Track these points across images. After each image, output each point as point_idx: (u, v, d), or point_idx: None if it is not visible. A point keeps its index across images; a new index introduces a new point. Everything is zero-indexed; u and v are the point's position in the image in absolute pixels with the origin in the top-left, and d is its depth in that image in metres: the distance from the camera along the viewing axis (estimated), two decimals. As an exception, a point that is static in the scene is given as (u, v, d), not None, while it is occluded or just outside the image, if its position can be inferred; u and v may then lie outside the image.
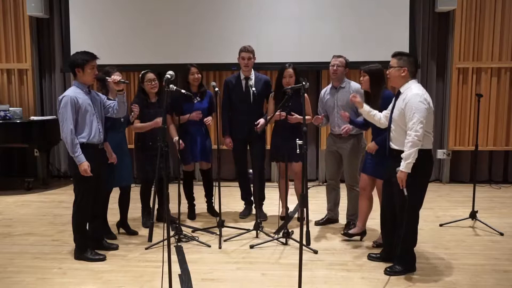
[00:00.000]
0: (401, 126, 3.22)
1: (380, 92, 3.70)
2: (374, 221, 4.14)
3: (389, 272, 3.33)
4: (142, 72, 4.35)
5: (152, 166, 4.29)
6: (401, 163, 3.13)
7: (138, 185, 4.53)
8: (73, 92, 3.49)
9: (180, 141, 4.29)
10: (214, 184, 4.62)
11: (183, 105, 4.50)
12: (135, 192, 4.39)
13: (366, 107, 3.55)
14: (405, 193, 3.14)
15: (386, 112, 3.51)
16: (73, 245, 3.71)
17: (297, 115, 4.25)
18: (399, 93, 3.31)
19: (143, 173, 4.38)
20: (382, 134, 3.61)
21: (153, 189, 4.17)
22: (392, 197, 3.35)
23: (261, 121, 4.42)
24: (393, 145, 3.31)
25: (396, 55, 3.33)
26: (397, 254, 3.34)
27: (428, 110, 3.15)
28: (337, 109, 4.22)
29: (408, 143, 3.11)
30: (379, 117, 3.53)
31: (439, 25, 6.28)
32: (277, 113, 4.12)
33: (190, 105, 4.54)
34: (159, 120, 4.18)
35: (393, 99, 3.38)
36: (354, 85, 4.24)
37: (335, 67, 4.22)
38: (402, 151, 3.17)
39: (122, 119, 4.02)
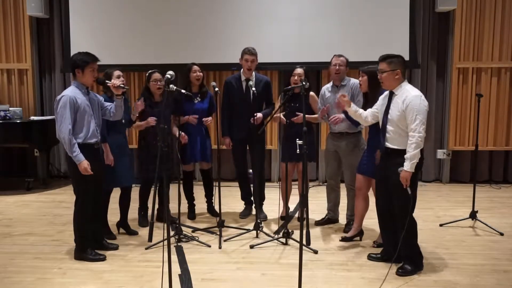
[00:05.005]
0: (401, 127, 3.24)
1: (378, 93, 3.68)
2: (372, 221, 4.15)
3: (401, 272, 3.32)
4: (149, 71, 4.36)
5: (154, 166, 4.29)
6: (406, 164, 3.15)
7: (138, 185, 4.53)
8: (72, 92, 3.49)
9: (182, 134, 4.29)
10: (214, 184, 4.62)
11: (184, 105, 4.49)
12: (135, 192, 4.39)
13: (353, 107, 3.59)
14: (409, 192, 3.17)
15: (372, 110, 3.53)
16: (73, 245, 3.71)
17: (300, 114, 4.25)
18: (392, 94, 3.32)
19: (144, 172, 4.38)
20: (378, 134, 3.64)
21: (152, 189, 4.19)
22: (389, 197, 3.35)
23: (259, 114, 4.43)
24: (389, 145, 3.32)
25: (385, 58, 3.31)
26: (405, 254, 3.33)
27: (427, 111, 3.22)
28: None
29: (412, 144, 3.14)
30: (365, 116, 3.58)
31: (439, 25, 6.28)
32: (278, 115, 4.17)
33: (191, 105, 4.53)
34: (150, 119, 4.21)
35: (384, 99, 3.40)
36: (355, 81, 4.24)
37: (337, 67, 4.24)
38: (399, 150, 3.22)
39: (123, 121, 4.02)
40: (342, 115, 3.99)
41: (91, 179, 3.50)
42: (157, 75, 4.30)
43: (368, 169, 3.79)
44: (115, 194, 4.16)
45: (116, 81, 3.65)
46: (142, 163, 4.39)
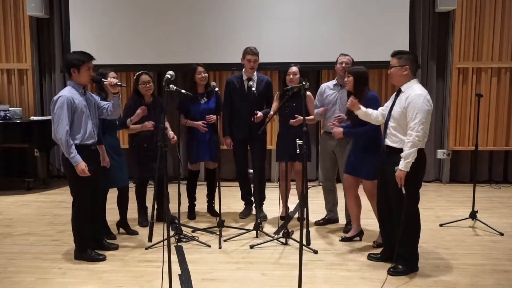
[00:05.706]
0: (401, 124, 3.24)
1: (363, 93, 3.73)
2: (372, 221, 4.14)
3: (392, 272, 3.33)
4: (137, 73, 4.31)
5: (146, 166, 4.29)
6: (401, 162, 3.15)
7: (134, 185, 4.52)
8: (69, 92, 3.46)
9: (174, 136, 4.28)
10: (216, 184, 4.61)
11: (190, 106, 4.48)
12: (133, 192, 4.39)
13: (362, 108, 3.56)
14: (403, 191, 3.17)
15: (382, 109, 3.53)
16: (73, 245, 3.71)
17: (299, 116, 4.25)
18: (399, 91, 3.33)
19: (137, 173, 4.38)
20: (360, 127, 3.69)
21: (152, 189, 4.19)
22: (389, 196, 3.35)
23: (259, 113, 4.43)
24: (388, 142, 3.32)
25: (396, 54, 3.33)
26: (399, 253, 3.34)
27: (430, 112, 3.19)
28: (338, 105, 4.21)
29: (409, 143, 3.13)
30: (376, 115, 3.55)
31: (439, 25, 6.28)
32: (272, 114, 4.17)
33: (197, 106, 4.52)
34: (147, 123, 4.19)
35: (393, 97, 3.40)
36: None
37: (343, 65, 4.23)
38: (396, 149, 3.22)
39: (117, 121, 4.01)
40: (341, 130, 3.87)
41: (88, 180, 3.49)
42: (144, 77, 4.26)
43: (355, 169, 3.81)
44: (114, 194, 4.16)
45: (112, 79, 3.63)
46: (135, 164, 4.37)
